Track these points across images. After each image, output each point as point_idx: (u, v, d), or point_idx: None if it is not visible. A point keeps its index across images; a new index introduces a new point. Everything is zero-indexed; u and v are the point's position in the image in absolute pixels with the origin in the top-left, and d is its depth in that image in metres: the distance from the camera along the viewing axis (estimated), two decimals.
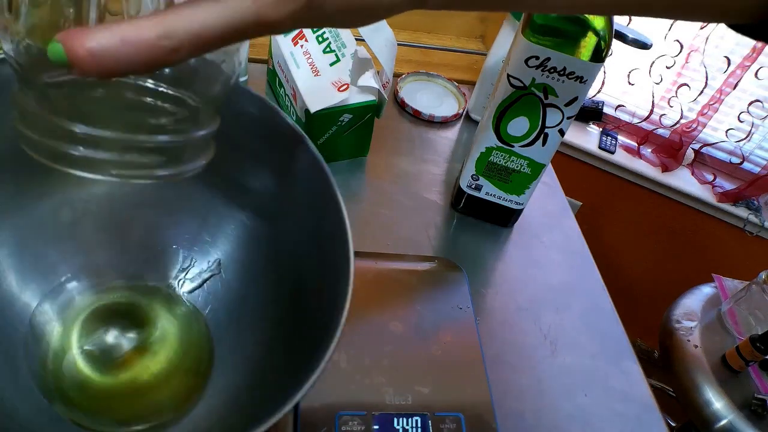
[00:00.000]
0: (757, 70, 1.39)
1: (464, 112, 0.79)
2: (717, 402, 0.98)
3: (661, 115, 1.55)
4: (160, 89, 0.23)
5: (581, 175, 1.65)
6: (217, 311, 0.45)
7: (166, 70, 0.23)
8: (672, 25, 1.41)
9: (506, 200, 0.61)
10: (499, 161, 0.58)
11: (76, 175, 0.22)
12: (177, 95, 0.24)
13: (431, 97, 0.79)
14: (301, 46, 0.64)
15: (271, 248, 0.44)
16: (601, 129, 1.65)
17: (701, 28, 1.37)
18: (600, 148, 1.60)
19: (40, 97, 0.22)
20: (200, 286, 0.46)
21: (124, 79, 0.22)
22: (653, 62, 1.48)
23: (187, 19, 0.19)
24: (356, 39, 0.64)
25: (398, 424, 0.43)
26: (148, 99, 0.23)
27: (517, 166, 0.58)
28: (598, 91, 1.60)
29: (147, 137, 0.24)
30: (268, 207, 0.44)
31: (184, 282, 0.47)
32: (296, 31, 0.65)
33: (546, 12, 0.32)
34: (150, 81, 0.23)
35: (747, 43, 1.36)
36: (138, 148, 0.24)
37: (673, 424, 1.29)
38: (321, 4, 0.22)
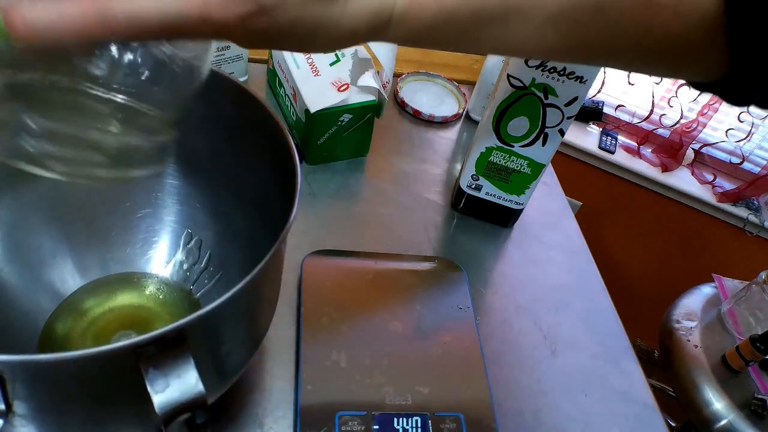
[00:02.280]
0: None
1: (464, 112, 0.79)
2: (717, 402, 0.98)
3: (661, 115, 1.55)
4: (116, 97, 0.23)
5: (581, 175, 1.64)
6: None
7: (125, 78, 0.23)
8: None
9: (506, 200, 0.61)
10: (499, 161, 0.58)
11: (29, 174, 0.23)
12: (132, 105, 0.24)
13: (431, 97, 0.79)
14: None
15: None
16: (601, 129, 1.64)
17: None
18: (600, 148, 1.59)
19: None
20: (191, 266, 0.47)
21: (80, 86, 0.23)
22: None
23: (128, 1, 0.20)
24: None
25: (398, 424, 0.43)
26: (102, 105, 0.23)
27: (517, 166, 0.58)
28: (598, 91, 1.60)
29: (97, 136, 0.24)
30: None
31: (171, 264, 0.47)
32: None
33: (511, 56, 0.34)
34: (105, 90, 0.23)
35: None
36: (86, 146, 0.24)
37: (673, 424, 1.29)
38: (272, 11, 0.22)
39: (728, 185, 1.54)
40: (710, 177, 1.56)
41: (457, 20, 0.27)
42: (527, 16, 0.27)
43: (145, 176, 0.27)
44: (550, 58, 0.31)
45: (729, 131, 1.51)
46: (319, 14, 0.23)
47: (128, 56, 0.23)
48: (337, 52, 0.64)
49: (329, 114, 0.60)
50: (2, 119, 0.22)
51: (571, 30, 0.27)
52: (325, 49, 0.26)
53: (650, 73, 0.31)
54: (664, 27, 0.26)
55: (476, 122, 0.77)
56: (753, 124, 1.46)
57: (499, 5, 0.27)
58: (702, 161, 1.60)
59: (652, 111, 1.55)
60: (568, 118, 0.53)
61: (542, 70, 0.50)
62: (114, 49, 0.22)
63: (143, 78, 0.24)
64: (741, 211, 1.52)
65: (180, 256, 0.48)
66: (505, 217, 0.64)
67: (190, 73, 0.26)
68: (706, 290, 1.20)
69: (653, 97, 1.53)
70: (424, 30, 0.27)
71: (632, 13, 0.26)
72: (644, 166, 1.59)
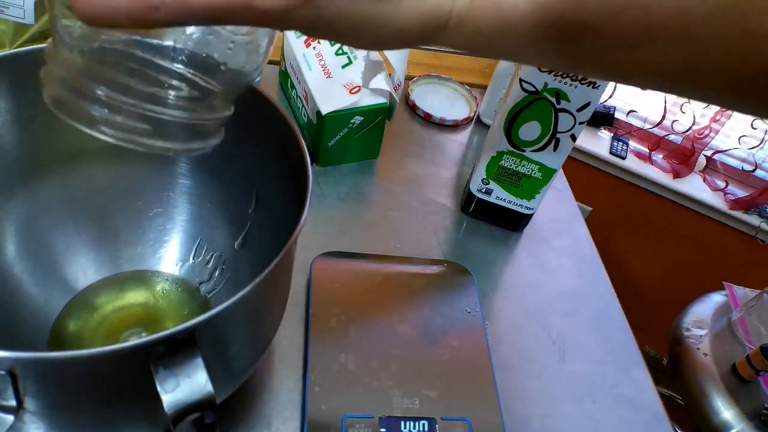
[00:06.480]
0: None
1: (475, 116, 0.79)
2: (726, 411, 0.97)
3: (673, 121, 1.54)
4: (184, 72, 0.25)
5: (592, 181, 1.64)
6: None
7: (188, 55, 0.25)
8: None
9: (516, 205, 0.61)
10: (510, 166, 0.58)
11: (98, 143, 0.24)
12: (197, 80, 0.26)
13: (442, 100, 0.79)
14: (314, 48, 0.65)
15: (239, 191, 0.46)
16: (612, 134, 1.64)
17: None
18: (611, 153, 1.59)
19: (73, 62, 0.24)
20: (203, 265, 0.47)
21: (151, 58, 0.24)
22: None
23: None
24: None
25: (405, 428, 0.43)
26: (170, 78, 0.25)
27: (528, 171, 0.58)
28: (610, 96, 1.59)
29: (160, 108, 0.25)
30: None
31: (183, 263, 0.47)
32: None
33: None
34: (177, 65, 0.25)
35: None
36: (151, 119, 0.25)
37: None
38: (317, 3, 0.22)
39: (740, 192, 1.53)
40: (722, 184, 1.55)
41: (519, 32, 0.26)
42: (597, 34, 0.25)
43: (208, 149, 0.28)
44: (616, 81, 0.29)
45: (742, 138, 1.50)
46: (369, 11, 0.23)
47: (194, 35, 0.25)
48: (349, 54, 0.64)
49: (340, 116, 0.60)
50: (72, 88, 0.24)
51: (646, 53, 0.25)
52: (375, 47, 0.26)
53: (743, 108, 0.27)
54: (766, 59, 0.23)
55: (487, 126, 0.77)
56: (766, 131, 1.45)
57: (566, 21, 0.25)
58: (714, 168, 1.59)
59: (664, 117, 1.55)
60: (580, 123, 0.53)
61: (554, 75, 0.50)
62: (181, 29, 0.24)
63: (206, 55, 0.25)
64: (753, 219, 1.51)
65: (191, 255, 0.48)
66: (515, 222, 0.63)
67: (249, 53, 0.27)
68: (717, 298, 1.19)
69: (665, 102, 1.52)
70: (482, 39, 0.26)
71: (726, 41, 0.23)
72: (655, 172, 1.58)
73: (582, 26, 0.25)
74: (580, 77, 0.50)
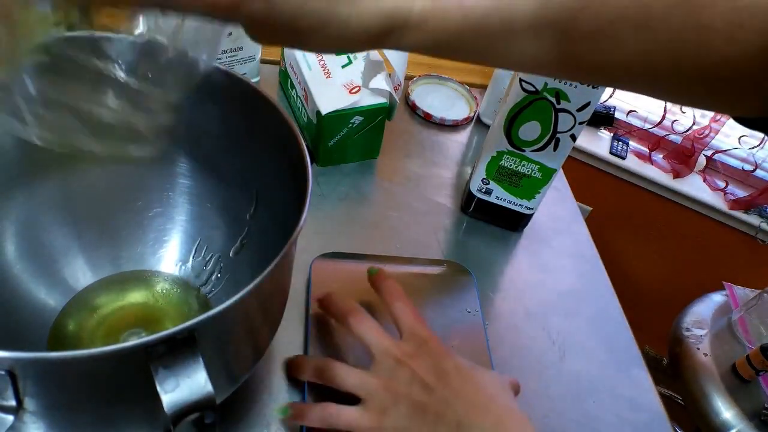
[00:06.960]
0: None
1: (475, 116, 0.79)
2: (726, 411, 0.97)
3: (674, 121, 1.54)
4: (119, 70, 0.25)
5: (592, 180, 1.64)
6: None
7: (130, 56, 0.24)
8: None
9: (516, 205, 0.61)
10: (510, 165, 0.58)
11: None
12: (131, 79, 0.25)
13: (442, 100, 0.79)
14: None
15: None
16: (612, 134, 1.64)
17: None
18: (611, 153, 1.59)
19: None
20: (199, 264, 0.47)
21: (82, 54, 0.24)
22: None
23: None
24: None
25: None
26: (104, 76, 0.25)
27: (528, 171, 0.58)
28: (610, 96, 1.59)
29: (91, 106, 0.24)
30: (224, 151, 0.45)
31: (184, 265, 0.47)
32: None
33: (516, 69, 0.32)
34: (114, 62, 0.24)
35: None
36: (81, 117, 0.24)
37: None
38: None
39: (740, 192, 1.53)
40: (722, 184, 1.55)
41: (483, 30, 0.26)
42: (562, 30, 0.25)
43: (139, 155, 0.27)
44: (581, 80, 0.30)
45: (742, 138, 1.50)
46: (325, 9, 0.23)
47: (137, 36, 0.24)
48: (349, 54, 0.64)
49: (340, 116, 0.60)
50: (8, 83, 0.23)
51: (609, 47, 0.25)
52: (333, 48, 0.25)
53: (696, 104, 0.29)
54: (718, 53, 0.24)
55: (487, 126, 0.77)
56: None
57: (532, 18, 0.25)
58: (714, 168, 1.59)
59: (664, 116, 1.55)
60: (580, 123, 0.53)
61: None
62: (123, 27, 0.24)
63: (147, 60, 0.25)
64: (753, 219, 1.51)
65: (191, 255, 0.48)
66: (515, 222, 0.63)
67: (195, 59, 0.26)
68: (717, 298, 1.19)
69: (665, 102, 1.52)
70: (446, 38, 0.26)
71: (682, 35, 0.24)
72: (655, 172, 1.58)
73: (546, 22, 0.26)
74: None
